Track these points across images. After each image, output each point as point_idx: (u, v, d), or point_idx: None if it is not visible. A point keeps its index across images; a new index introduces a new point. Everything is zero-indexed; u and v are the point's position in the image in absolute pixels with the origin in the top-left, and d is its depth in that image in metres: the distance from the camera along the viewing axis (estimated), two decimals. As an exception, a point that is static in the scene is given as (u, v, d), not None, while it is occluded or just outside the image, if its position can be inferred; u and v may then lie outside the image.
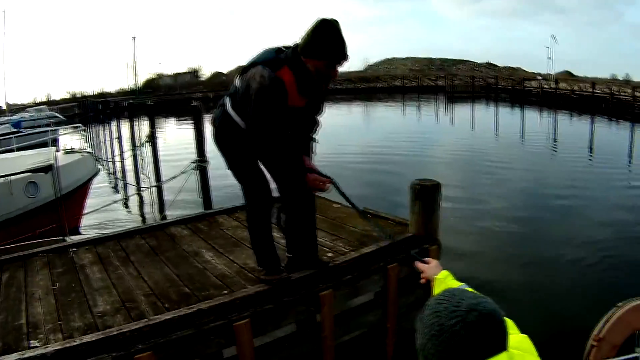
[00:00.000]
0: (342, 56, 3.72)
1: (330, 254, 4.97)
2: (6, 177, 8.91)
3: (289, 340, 4.30)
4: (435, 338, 1.40)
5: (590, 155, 21.82)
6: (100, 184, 16.41)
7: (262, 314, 3.98)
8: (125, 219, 13.31)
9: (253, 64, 3.79)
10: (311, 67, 3.73)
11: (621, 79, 65.67)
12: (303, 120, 4.17)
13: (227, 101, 4.06)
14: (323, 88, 4.03)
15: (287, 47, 3.84)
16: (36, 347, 3.43)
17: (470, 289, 1.75)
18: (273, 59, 3.75)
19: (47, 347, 3.38)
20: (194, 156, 9.21)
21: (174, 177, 9.58)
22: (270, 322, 4.07)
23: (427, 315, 1.46)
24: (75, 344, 3.38)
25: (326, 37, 3.64)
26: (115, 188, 17.69)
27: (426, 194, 5.17)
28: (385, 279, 4.84)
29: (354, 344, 4.88)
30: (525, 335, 1.72)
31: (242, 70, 3.88)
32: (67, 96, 78.93)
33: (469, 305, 1.41)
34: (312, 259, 4.64)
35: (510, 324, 1.65)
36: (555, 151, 23.52)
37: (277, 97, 3.67)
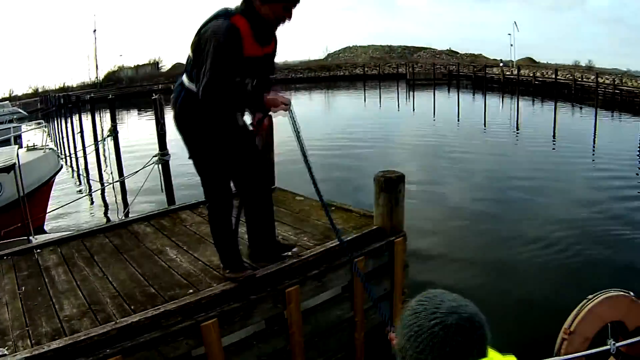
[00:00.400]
0: (294, 1, 3.79)
1: (295, 249, 4.95)
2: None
3: (257, 338, 4.29)
4: (414, 339, 1.42)
5: (554, 142, 22.09)
6: (63, 180, 16.23)
7: (229, 312, 3.97)
8: (88, 215, 13.22)
9: (205, 23, 3.79)
10: (269, 13, 3.76)
11: (584, 65, 66.49)
12: (262, 75, 4.19)
13: (184, 77, 4.04)
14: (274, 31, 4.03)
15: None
16: (5, 355, 3.38)
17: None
18: (224, 12, 3.78)
19: (15, 354, 3.33)
20: (155, 150, 9.12)
21: (136, 172, 9.48)
22: (238, 321, 4.06)
23: (407, 315, 1.48)
24: (43, 350, 3.35)
25: None
26: (78, 184, 17.49)
27: (390, 185, 5.18)
28: (351, 272, 4.86)
29: (323, 339, 4.90)
30: (511, 355, 1.70)
31: (196, 35, 3.83)
32: (30, 91, 77.72)
33: (449, 308, 1.42)
34: (274, 246, 4.77)
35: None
36: (518, 139, 23.80)
37: (230, 44, 3.66)
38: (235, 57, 3.70)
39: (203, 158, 4.16)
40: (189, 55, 3.94)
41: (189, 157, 4.22)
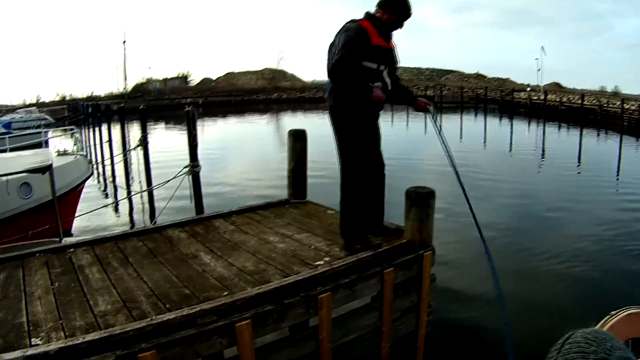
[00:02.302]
0: (408, 15, 5.03)
1: (327, 259, 5.04)
2: (2, 177, 8.89)
3: (287, 342, 4.35)
4: None
5: (579, 167, 21.94)
6: (92, 187, 16.40)
7: (263, 315, 4.04)
8: (117, 222, 13.32)
9: (337, 32, 4.94)
10: (388, 19, 5.01)
11: (609, 90, 65.95)
12: (392, 65, 5.28)
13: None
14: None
15: None
16: (38, 344, 3.44)
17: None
18: (351, 20, 4.99)
19: (49, 345, 3.40)
20: (184, 162, 9.20)
21: (167, 181, 9.56)
22: (271, 323, 4.12)
23: (571, 350, 1.33)
24: (78, 342, 3.41)
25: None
26: (106, 191, 17.67)
27: (421, 200, 5.27)
28: (381, 283, 4.92)
29: (350, 347, 4.94)
30: None
31: (332, 43, 4.96)
32: (57, 98, 78.48)
33: (619, 358, 1.27)
34: (381, 227, 5.71)
35: None
36: (543, 163, 23.64)
37: (359, 36, 4.78)
38: (363, 44, 4.80)
39: (349, 140, 5.16)
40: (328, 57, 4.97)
41: (338, 147, 5.27)
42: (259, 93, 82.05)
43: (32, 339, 3.55)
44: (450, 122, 45.48)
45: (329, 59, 4.90)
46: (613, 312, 4.76)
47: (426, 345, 5.82)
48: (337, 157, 5.34)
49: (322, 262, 4.92)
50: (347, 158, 5.25)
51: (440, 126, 5.37)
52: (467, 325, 7.46)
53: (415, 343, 5.66)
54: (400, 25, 5.11)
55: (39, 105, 63.62)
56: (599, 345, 1.27)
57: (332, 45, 4.94)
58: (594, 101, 48.29)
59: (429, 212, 5.35)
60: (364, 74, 4.90)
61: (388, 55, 5.14)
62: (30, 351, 3.31)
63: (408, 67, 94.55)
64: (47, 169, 8.08)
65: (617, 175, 19.91)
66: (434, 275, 5.59)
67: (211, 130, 41.63)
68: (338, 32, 4.94)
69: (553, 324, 7.30)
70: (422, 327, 5.64)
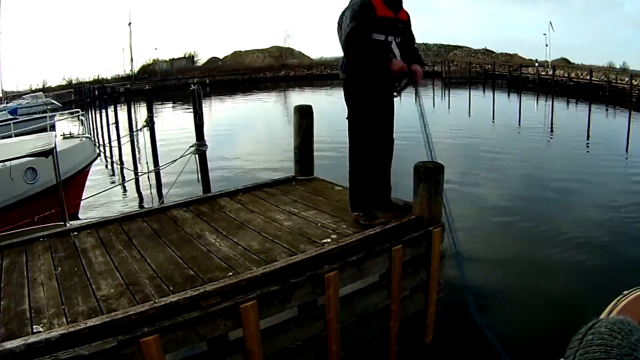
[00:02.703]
0: None
1: (334, 236, 4.94)
2: (5, 162, 8.82)
3: (294, 323, 4.28)
4: None
5: (588, 143, 21.73)
6: (98, 169, 16.35)
7: (268, 295, 3.96)
8: (124, 204, 13.26)
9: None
10: None
11: (618, 67, 65.22)
12: (404, 37, 5.22)
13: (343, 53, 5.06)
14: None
15: None
16: (40, 332, 3.38)
17: None
18: None
19: (51, 331, 3.34)
20: (190, 141, 9.12)
21: (174, 161, 9.48)
22: (276, 304, 4.05)
23: (594, 342, 1.22)
24: (79, 327, 3.34)
25: None
26: (113, 173, 17.63)
27: (430, 175, 5.15)
28: (389, 260, 4.83)
29: (358, 327, 4.87)
30: None
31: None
32: (63, 82, 78.11)
33: None
34: (389, 203, 5.63)
35: None
36: (552, 139, 23.45)
37: (364, 9, 4.74)
38: (369, 16, 4.75)
39: (360, 113, 5.16)
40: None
41: (347, 118, 5.26)
42: (266, 71, 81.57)
43: (34, 326, 3.49)
44: (459, 98, 45.25)
45: (339, 37, 4.98)
46: (625, 292, 4.64)
47: (436, 324, 5.75)
48: (348, 132, 5.31)
49: (329, 240, 4.83)
50: (356, 131, 5.22)
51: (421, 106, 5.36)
52: (479, 304, 7.36)
53: (424, 322, 5.59)
54: None
55: (46, 90, 63.28)
56: (623, 338, 1.17)
57: (340, 22, 5.01)
58: (602, 77, 47.81)
59: (437, 188, 5.23)
60: (375, 46, 4.87)
61: (398, 25, 5.06)
62: (32, 339, 3.25)
63: (416, 43, 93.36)
64: (49, 152, 7.99)
65: (627, 152, 19.69)
66: (443, 252, 5.50)
67: (218, 109, 41.57)
68: (345, 9, 4.97)
69: (565, 303, 7.21)
70: (431, 305, 5.56)
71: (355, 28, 4.71)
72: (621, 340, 1.17)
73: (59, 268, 4.54)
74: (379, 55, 4.87)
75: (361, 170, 5.23)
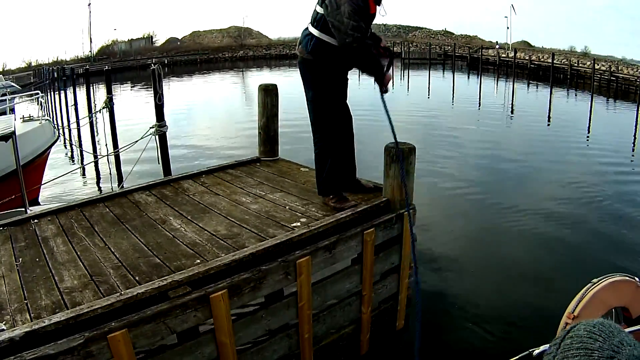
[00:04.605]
0: None
1: (303, 220, 4.82)
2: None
3: (265, 311, 4.15)
4: None
5: (549, 125, 21.97)
6: (58, 153, 16.00)
7: (239, 283, 3.83)
8: (84, 188, 13.00)
9: None
10: None
11: (579, 51, 66.00)
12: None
13: (312, 30, 4.90)
14: None
15: None
16: (3, 330, 3.18)
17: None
18: None
19: (14, 330, 3.14)
20: (150, 122, 8.87)
21: (135, 142, 9.20)
22: (248, 292, 3.92)
23: (573, 346, 1.15)
24: (44, 324, 3.16)
25: None
26: (73, 157, 17.26)
27: (401, 157, 5.04)
28: (361, 244, 4.74)
29: (331, 313, 4.79)
30: None
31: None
32: (23, 65, 76.45)
33: (629, 356, 1.09)
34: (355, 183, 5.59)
35: None
36: (512, 120, 23.68)
37: (365, 7, 4.68)
38: (367, 13, 4.74)
39: (324, 96, 5.03)
40: (315, 11, 4.86)
41: (309, 101, 5.13)
42: (225, 51, 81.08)
43: (-3, 324, 3.29)
44: (418, 79, 45.36)
45: (327, 13, 4.68)
46: (595, 280, 4.62)
47: (407, 308, 5.69)
48: (310, 111, 5.18)
49: (298, 224, 4.71)
50: (324, 113, 5.08)
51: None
52: (446, 287, 7.32)
53: (396, 306, 5.52)
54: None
55: (5, 73, 61.84)
56: (604, 341, 1.12)
57: (334, 6, 4.64)
58: (564, 60, 48.47)
59: (409, 169, 5.13)
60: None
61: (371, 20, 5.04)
62: (-5, 338, 3.05)
63: (375, 24, 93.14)
64: (9, 136, 7.71)
65: (588, 134, 19.93)
66: (414, 235, 5.42)
67: (178, 90, 40.98)
68: None
69: (533, 289, 7.19)
70: (403, 289, 5.50)
71: (362, 28, 4.64)
72: (602, 343, 1.11)
73: (20, 259, 4.30)
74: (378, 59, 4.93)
75: (333, 152, 5.09)
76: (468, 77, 48.36)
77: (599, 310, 4.49)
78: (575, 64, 46.22)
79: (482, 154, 15.77)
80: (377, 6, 4.87)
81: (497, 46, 63.08)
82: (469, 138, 18.11)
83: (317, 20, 4.83)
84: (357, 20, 4.55)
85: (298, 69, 5.22)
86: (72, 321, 3.22)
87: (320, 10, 4.77)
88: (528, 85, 40.75)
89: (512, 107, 27.82)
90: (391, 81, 5.04)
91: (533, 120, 22.96)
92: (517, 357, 3.57)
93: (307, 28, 4.98)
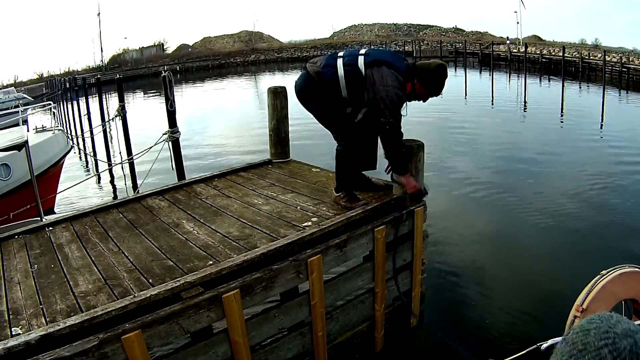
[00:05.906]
0: (437, 95, 4.92)
1: (315, 219, 4.85)
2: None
3: (278, 310, 4.20)
4: (575, 358, 1.16)
5: (562, 119, 21.82)
6: (72, 162, 16.14)
7: (251, 283, 3.87)
8: (99, 195, 13.11)
9: (385, 61, 4.75)
10: (418, 90, 4.86)
11: (590, 43, 65.57)
12: None
13: (340, 70, 4.85)
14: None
15: (405, 58, 5.06)
16: (19, 334, 3.24)
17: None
18: (405, 71, 4.82)
19: (30, 333, 3.19)
20: (163, 129, 8.94)
21: (149, 148, 9.27)
22: (260, 292, 3.95)
23: (574, 333, 1.22)
24: (59, 327, 3.21)
25: (441, 78, 4.83)
26: (87, 166, 17.41)
27: (411, 154, 5.06)
28: (373, 242, 4.76)
29: (344, 311, 4.82)
30: None
31: (367, 59, 4.79)
32: (35, 76, 77.08)
33: (624, 330, 1.16)
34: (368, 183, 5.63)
35: None
36: (526, 115, 23.54)
37: (402, 102, 4.78)
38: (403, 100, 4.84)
39: (326, 107, 5.04)
40: (353, 61, 4.84)
41: (316, 117, 5.18)
42: (236, 56, 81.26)
43: (13, 328, 3.35)
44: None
45: (369, 91, 4.75)
46: (604, 272, 4.59)
47: (421, 304, 5.70)
48: (324, 126, 5.21)
49: (309, 223, 4.74)
50: (332, 120, 5.12)
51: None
52: (457, 282, 7.33)
53: (410, 303, 5.52)
54: (424, 98, 5.01)
55: (17, 85, 62.36)
56: (602, 322, 1.19)
57: (373, 79, 4.71)
58: (575, 53, 48.20)
59: (418, 166, 5.16)
60: None
61: None
62: (11, 342, 3.10)
63: (385, 23, 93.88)
64: (22, 146, 7.79)
65: (601, 127, 19.77)
66: (426, 232, 5.45)
67: (190, 96, 41.16)
68: (379, 64, 4.74)
69: (543, 282, 7.18)
70: (416, 286, 5.51)
71: (399, 121, 4.78)
72: (600, 323, 1.19)
73: (36, 265, 4.38)
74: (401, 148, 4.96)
75: (348, 152, 5.09)
76: (480, 73, 48.25)
77: (608, 302, 4.46)
78: (587, 57, 45.92)
79: (495, 149, 15.73)
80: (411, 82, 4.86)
81: (508, 41, 62.68)
82: (482, 134, 18.09)
83: (349, 66, 4.82)
84: (398, 114, 4.74)
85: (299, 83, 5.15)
86: (87, 324, 3.26)
87: (361, 66, 4.78)
88: (540, 80, 40.53)
89: (524, 102, 27.66)
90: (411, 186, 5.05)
91: (546, 114, 22.84)
92: (525, 350, 3.58)
93: (337, 58, 4.93)
